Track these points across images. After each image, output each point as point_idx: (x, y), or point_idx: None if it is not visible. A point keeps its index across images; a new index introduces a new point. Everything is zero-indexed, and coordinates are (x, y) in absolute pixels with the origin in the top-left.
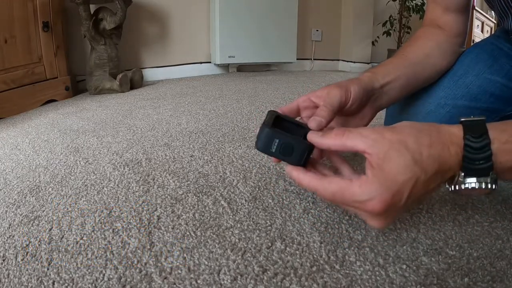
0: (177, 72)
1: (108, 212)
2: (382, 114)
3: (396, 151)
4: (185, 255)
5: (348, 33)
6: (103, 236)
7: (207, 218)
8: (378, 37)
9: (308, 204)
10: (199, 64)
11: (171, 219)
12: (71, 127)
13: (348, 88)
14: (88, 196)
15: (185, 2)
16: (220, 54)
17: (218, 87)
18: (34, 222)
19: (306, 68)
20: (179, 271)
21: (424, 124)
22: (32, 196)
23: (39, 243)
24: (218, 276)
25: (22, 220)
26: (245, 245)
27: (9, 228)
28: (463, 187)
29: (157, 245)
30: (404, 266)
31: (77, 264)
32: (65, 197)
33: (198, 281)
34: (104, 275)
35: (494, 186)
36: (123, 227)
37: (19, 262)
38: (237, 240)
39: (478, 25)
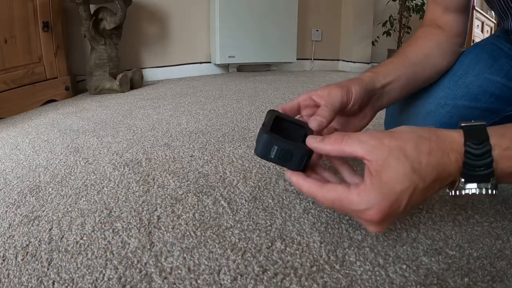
0: (177, 72)
1: (108, 212)
2: (382, 114)
3: (395, 158)
4: (185, 255)
5: (348, 33)
6: (103, 236)
7: (207, 218)
8: (378, 37)
9: (308, 204)
10: (199, 64)
11: (171, 219)
12: (71, 127)
13: (350, 88)
14: (88, 196)
15: (185, 2)
16: (220, 54)
17: (218, 87)
18: (34, 222)
19: (306, 68)
20: (179, 271)
21: (424, 129)
22: (32, 196)
23: (39, 243)
24: (218, 276)
25: (22, 220)
26: (245, 245)
27: (9, 228)
28: (463, 193)
29: (157, 245)
30: (404, 266)
31: (77, 264)
32: (65, 197)
33: (198, 281)
34: (104, 275)
35: (494, 192)
36: (123, 227)
37: (19, 262)
38: (237, 240)
39: (478, 25)
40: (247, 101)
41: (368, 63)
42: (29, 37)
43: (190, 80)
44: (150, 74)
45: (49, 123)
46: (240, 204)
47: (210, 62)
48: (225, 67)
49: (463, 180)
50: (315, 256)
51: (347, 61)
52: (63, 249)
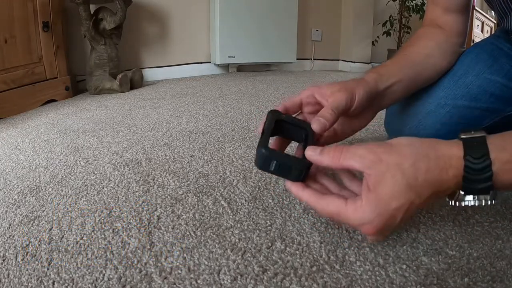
0: (177, 72)
1: (108, 212)
2: (382, 114)
3: (392, 176)
4: (185, 255)
5: (348, 33)
6: (103, 236)
7: (207, 218)
8: (378, 37)
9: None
10: (199, 64)
11: (171, 219)
12: (71, 127)
13: (354, 92)
14: (88, 196)
15: (185, 2)
16: (220, 54)
17: (218, 87)
18: (34, 222)
19: (306, 68)
20: (179, 271)
21: (423, 144)
22: (32, 196)
23: (39, 243)
24: (218, 276)
25: (22, 220)
26: (245, 245)
27: (9, 228)
28: (463, 204)
29: (157, 245)
30: (404, 266)
31: (77, 264)
32: (65, 197)
33: (198, 281)
34: (104, 275)
35: (494, 202)
36: (123, 227)
37: (19, 262)
38: (237, 240)
39: (478, 25)
40: (247, 101)
41: (368, 63)
42: (29, 37)
43: (190, 80)
44: (150, 74)
45: (49, 123)
46: (240, 204)
47: (210, 62)
48: (225, 67)
49: (462, 193)
50: (315, 256)
51: (347, 61)
52: (63, 249)
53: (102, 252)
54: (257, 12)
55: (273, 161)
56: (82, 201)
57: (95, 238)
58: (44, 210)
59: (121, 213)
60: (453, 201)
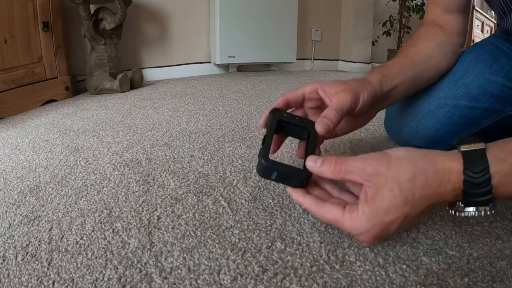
0: (177, 72)
1: (108, 212)
2: (382, 114)
3: (389, 190)
4: (185, 255)
5: (348, 33)
6: (103, 236)
7: (207, 218)
8: (378, 37)
9: None
10: (199, 64)
11: (171, 219)
12: (71, 127)
13: (358, 94)
14: (88, 196)
15: (185, 2)
16: (220, 54)
17: (218, 87)
18: (34, 222)
19: (306, 68)
20: (179, 271)
21: (423, 158)
22: (32, 196)
23: (39, 243)
24: (218, 276)
25: (22, 220)
26: (245, 245)
27: (9, 228)
28: (463, 215)
29: (157, 245)
30: (404, 266)
31: (77, 264)
32: (65, 197)
33: (198, 281)
34: (104, 275)
35: (493, 211)
36: (123, 227)
37: (19, 262)
38: (237, 240)
39: (478, 25)
40: (247, 101)
41: (368, 63)
42: (29, 37)
43: (190, 80)
44: (150, 74)
45: (49, 123)
46: (240, 204)
47: (210, 62)
48: (225, 67)
49: (462, 205)
50: (315, 256)
51: (347, 61)
52: (63, 249)
53: (102, 252)
54: (257, 12)
55: (274, 172)
56: (82, 201)
57: (95, 238)
58: (44, 210)
59: (121, 213)
60: (453, 212)
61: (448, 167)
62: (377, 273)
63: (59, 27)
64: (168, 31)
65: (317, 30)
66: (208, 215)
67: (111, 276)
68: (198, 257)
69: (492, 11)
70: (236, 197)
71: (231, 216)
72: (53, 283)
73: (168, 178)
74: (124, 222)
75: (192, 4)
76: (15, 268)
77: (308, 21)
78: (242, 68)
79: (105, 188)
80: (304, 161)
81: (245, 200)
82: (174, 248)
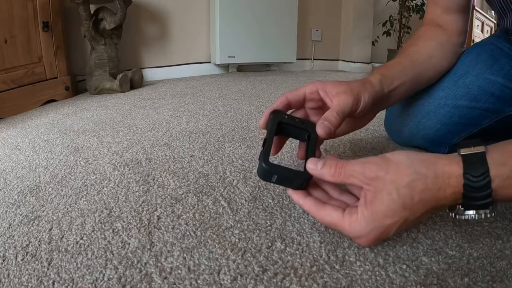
0: (177, 72)
1: (108, 212)
2: (382, 114)
3: (388, 194)
4: (185, 255)
5: (348, 33)
6: (103, 236)
7: (207, 218)
8: (378, 37)
9: None
10: (199, 64)
11: (171, 219)
12: (71, 127)
13: (360, 96)
14: (88, 196)
15: (185, 2)
16: (220, 54)
17: (218, 87)
18: (34, 222)
19: (306, 68)
20: (179, 271)
21: (422, 162)
22: (32, 196)
23: (39, 243)
24: (218, 276)
25: (22, 220)
26: (245, 245)
27: (9, 228)
28: (463, 218)
29: (157, 245)
30: (404, 266)
31: (77, 264)
32: (65, 197)
33: (198, 281)
34: (104, 275)
35: (493, 214)
36: (123, 227)
37: (19, 262)
38: (237, 240)
39: (478, 25)
40: (247, 101)
41: (368, 63)
42: (29, 37)
43: (190, 80)
44: (150, 74)
45: (49, 123)
46: (240, 204)
47: (210, 62)
48: (225, 67)
49: (462, 208)
50: (315, 256)
51: (347, 61)
52: (63, 249)
53: (102, 252)
54: (257, 12)
55: (274, 175)
56: (82, 201)
57: (95, 238)
58: (44, 210)
59: (121, 213)
60: (453, 214)
61: (447, 171)
62: (377, 273)
63: (59, 27)
64: (168, 31)
65: (317, 30)
66: (208, 215)
67: (111, 276)
68: (198, 257)
69: (492, 11)
70: (236, 197)
71: (231, 216)
72: (53, 283)
73: (168, 178)
74: (124, 222)
75: (192, 4)
76: (15, 268)
77: (308, 21)
78: (242, 68)
79: (105, 188)
80: (305, 163)
81: (245, 200)
82: (174, 248)
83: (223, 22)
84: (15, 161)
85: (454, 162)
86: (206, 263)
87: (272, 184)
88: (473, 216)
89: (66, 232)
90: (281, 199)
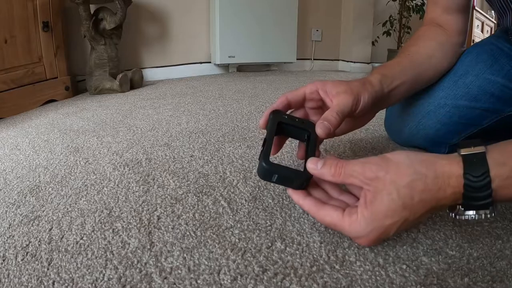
0: (177, 72)
1: (108, 212)
2: (382, 113)
3: (388, 194)
4: (185, 255)
5: (348, 33)
6: (103, 236)
7: (207, 218)
8: (378, 37)
9: None
10: (199, 64)
11: (171, 219)
12: (71, 127)
13: (360, 96)
14: (88, 196)
15: (185, 2)
16: (220, 54)
17: (218, 87)
18: (34, 222)
19: (306, 68)
20: (179, 271)
21: (422, 162)
22: (32, 196)
23: (39, 243)
24: (218, 276)
25: (22, 220)
26: (245, 245)
27: (9, 228)
28: (463, 218)
29: (157, 245)
30: (404, 266)
31: (77, 264)
32: (65, 197)
33: (198, 281)
34: (104, 275)
35: (493, 214)
36: (123, 227)
37: (19, 262)
38: (237, 240)
39: (478, 25)
40: (247, 101)
41: (368, 63)
42: (29, 37)
43: (190, 80)
44: (150, 74)
45: (49, 123)
46: (240, 204)
47: (210, 62)
48: (225, 67)
49: (462, 208)
50: (315, 256)
51: (347, 61)
52: (63, 249)
53: (102, 252)
54: (257, 12)
55: (275, 174)
56: (82, 201)
57: (95, 238)
58: (44, 210)
59: (121, 213)
60: (453, 214)
61: (448, 171)
62: (377, 273)
63: (59, 27)
64: (168, 31)
65: (317, 30)
66: (208, 215)
67: (111, 276)
68: (198, 257)
69: (492, 11)
70: (236, 197)
71: (231, 216)
72: (53, 283)
73: (168, 178)
74: (124, 222)
75: (192, 4)
76: (15, 268)
77: (308, 21)
78: (242, 68)
79: (105, 188)
80: (305, 163)
81: (245, 200)
82: (174, 248)
83: (223, 22)
84: (15, 161)
85: (454, 162)
86: (206, 263)
87: (272, 184)
88: (473, 216)
89: (66, 232)
90: (281, 199)
